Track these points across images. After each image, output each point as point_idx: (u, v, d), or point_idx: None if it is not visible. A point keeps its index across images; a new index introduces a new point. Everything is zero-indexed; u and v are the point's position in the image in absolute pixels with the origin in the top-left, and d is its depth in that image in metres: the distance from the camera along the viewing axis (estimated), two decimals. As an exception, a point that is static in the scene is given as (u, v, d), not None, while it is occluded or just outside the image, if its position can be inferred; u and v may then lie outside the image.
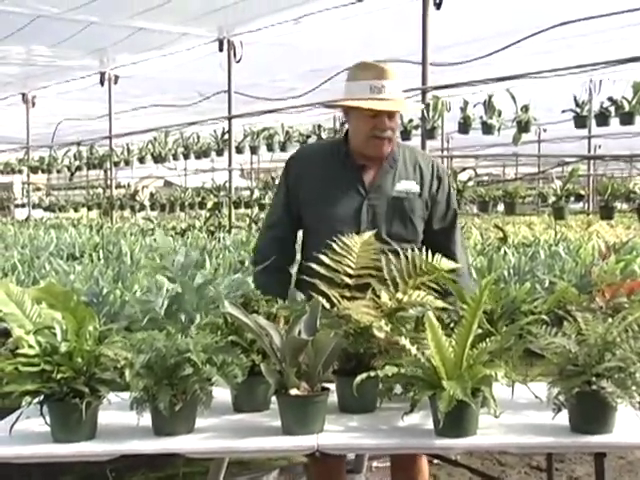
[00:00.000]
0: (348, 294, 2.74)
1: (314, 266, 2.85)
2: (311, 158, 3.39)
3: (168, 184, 21.32)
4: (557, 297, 3.02)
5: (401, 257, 2.84)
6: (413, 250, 2.90)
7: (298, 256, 3.37)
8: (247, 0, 8.13)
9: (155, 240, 7.54)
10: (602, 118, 7.71)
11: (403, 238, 3.17)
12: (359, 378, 2.35)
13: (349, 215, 3.17)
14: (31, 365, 2.35)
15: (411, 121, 9.04)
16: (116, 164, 13.35)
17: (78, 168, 14.66)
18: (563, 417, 2.37)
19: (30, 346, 2.40)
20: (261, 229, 3.67)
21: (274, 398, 2.48)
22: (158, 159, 12.37)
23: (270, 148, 11.14)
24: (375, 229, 3.07)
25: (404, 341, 2.38)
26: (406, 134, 9.00)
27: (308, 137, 10.31)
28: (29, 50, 10.89)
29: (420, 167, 3.30)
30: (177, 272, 3.31)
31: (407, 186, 3.24)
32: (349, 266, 2.81)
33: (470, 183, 8.44)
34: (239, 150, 11.30)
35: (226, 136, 10.85)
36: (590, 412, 2.33)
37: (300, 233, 3.39)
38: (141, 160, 12.81)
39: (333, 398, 2.58)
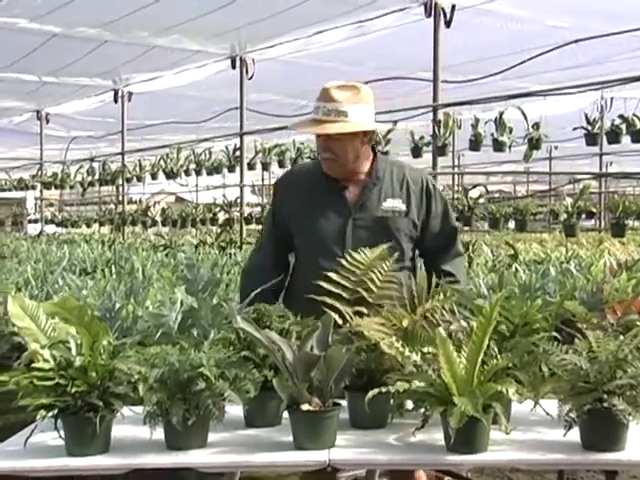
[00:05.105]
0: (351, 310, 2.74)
1: (322, 283, 2.84)
2: (296, 180, 3.41)
3: (180, 200, 21.35)
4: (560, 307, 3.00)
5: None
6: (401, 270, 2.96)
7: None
8: (260, 19, 8.20)
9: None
10: (613, 136, 7.72)
11: None
12: (371, 394, 2.35)
13: (334, 235, 3.14)
14: (46, 379, 2.37)
15: (422, 138, 9.06)
16: (128, 180, 13.42)
17: (90, 184, 14.75)
18: (574, 434, 2.37)
19: (45, 360, 2.42)
20: (251, 252, 3.66)
21: (286, 413, 2.49)
22: (170, 175, 12.42)
23: (282, 164, 11.17)
24: (359, 249, 2.96)
25: (415, 357, 2.39)
26: (417, 151, 9.02)
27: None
28: (44, 68, 10.98)
29: (407, 184, 3.24)
30: (197, 287, 3.32)
31: (393, 204, 3.20)
32: (351, 281, 2.81)
33: (481, 200, 8.43)
34: (251, 166, 11.35)
35: (238, 152, 10.90)
36: (601, 429, 2.33)
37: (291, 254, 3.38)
38: (153, 176, 12.87)
39: (345, 414, 2.59)
